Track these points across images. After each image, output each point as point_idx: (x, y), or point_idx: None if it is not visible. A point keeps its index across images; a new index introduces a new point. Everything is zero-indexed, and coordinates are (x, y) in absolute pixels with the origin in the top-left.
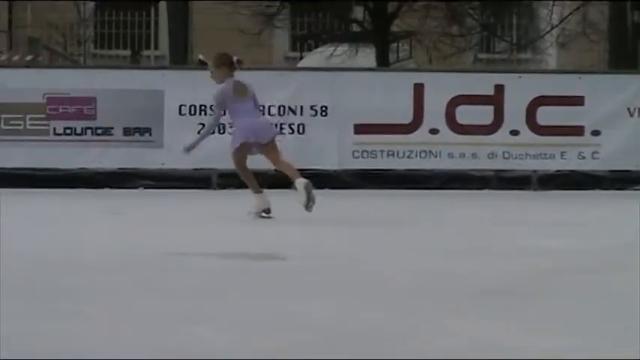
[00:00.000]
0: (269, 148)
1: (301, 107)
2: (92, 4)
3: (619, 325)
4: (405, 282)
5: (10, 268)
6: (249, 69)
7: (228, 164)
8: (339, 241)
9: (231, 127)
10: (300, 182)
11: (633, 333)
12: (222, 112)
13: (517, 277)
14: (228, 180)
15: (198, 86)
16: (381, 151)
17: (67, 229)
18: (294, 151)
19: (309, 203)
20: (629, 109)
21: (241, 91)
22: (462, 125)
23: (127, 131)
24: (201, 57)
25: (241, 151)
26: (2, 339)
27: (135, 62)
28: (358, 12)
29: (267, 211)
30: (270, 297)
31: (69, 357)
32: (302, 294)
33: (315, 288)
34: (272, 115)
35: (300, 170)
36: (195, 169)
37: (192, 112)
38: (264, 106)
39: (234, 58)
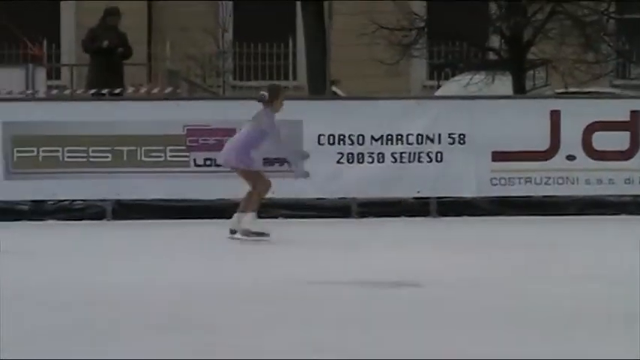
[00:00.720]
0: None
1: (439, 135)
2: (230, 36)
3: None
4: (549, 307)
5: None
6: (386, 98)
7: (367, 193)
8: (478, 267)
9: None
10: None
11: None
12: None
13: None
14: (368, 209)
15: (336, 116)
16: (519, 178)
17: (205, 258)
18: (432, 179)
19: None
20: None
21: None
22: (598, 151)
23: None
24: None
25: None
26: None
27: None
28: (494, 41)
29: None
30: (412, 326)
31: None
32: (444, 322)
33: (454, 315)
34: (410, 144)
35: (439, 198)
36: (335, 199)
37: (331, 142)
38: (401, 135)
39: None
